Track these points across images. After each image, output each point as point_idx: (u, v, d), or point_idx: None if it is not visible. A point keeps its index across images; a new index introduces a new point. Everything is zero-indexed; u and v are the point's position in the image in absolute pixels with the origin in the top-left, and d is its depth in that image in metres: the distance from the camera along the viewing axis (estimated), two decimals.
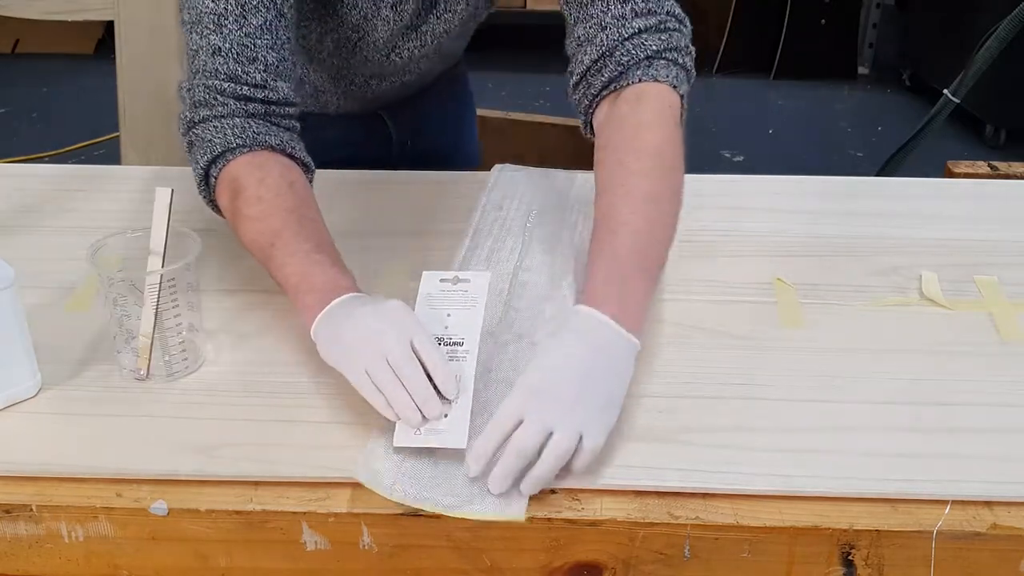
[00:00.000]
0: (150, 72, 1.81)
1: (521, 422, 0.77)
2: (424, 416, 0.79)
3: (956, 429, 0.85)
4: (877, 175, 2.08)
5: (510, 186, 1.23)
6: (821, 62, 4.03)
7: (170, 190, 0.88)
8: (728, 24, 4.04)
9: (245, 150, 0.95)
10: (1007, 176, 1.56)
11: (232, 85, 0.96)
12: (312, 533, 0.78)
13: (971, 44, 2.00)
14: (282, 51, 0.98)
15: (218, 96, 0.96)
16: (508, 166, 1.28)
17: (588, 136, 1.03)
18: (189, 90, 0.98)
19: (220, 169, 0.95)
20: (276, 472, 0.80)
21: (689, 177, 1.28)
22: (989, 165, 1.61)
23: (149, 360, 0.89)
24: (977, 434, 0.84)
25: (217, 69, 0.96)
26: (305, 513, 0.77)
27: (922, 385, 0.90)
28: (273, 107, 0.98)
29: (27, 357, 0.87)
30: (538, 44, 3.29)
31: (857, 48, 4.11)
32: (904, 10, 4.08)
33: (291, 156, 0.98)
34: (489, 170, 1.27)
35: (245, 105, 0.96)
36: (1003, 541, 0.76)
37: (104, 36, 4.14)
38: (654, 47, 0.98)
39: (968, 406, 0.87)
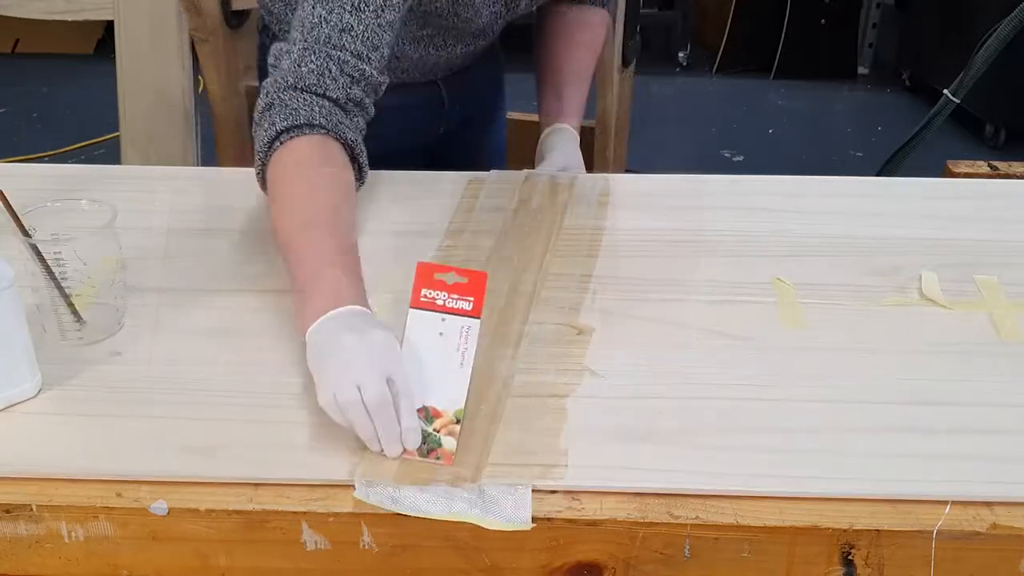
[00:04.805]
0: (150, 72, 1.80)
1: None
2: (384, 452, 0.80)
3: (956, 429, 0.85)
4: (877, 175, 2.07)
5: (508, 186, 1.23)
6: (821, 62, 4.03)
7: None
8: (728, 24, 4.04)
9: (323, 131, 0.98)
10: (1007, 176, 1.56)
11: (355, 61, 1.01)
12: (312, 533, 0.78)
13: (971, 44, 2.00)
14: (391, 49, 1.06)
15: (333, 68, 1.00)
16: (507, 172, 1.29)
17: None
18: (304, 52, 1.01)
19: (291, 138, 0.98)
20: (276, 474, 0.80)
21: (690, 177, 1.29)
22: (989, 165, 1.61)
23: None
24: (977, 434, 0.84)
25: (344, 45, 1.01)
26: (305, 513, 0.77)
27: (922, 385, 0.90)
28: (368, 99, 1.04)
29: (27, 357, 0.87)
30: None
31: (857, 48, 4.11)
32: (904, 10, 4.07)
33: (354, 158, 1.03)
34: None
35: (349, 89, 1.01)
36: (1003, 541, 0.76)
37: (104, 36, 4.13)
38: None
39: (968, 406, 0.87)
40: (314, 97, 0.99)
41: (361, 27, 1.01)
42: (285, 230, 0.94)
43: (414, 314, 0.86)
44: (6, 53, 4.17)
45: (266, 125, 0.99)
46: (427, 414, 0.82)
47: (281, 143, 0.98)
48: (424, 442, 0.81)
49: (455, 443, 0.81)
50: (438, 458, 0.80)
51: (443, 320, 0.85)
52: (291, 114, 0.98)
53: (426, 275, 0.86)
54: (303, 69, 1.00)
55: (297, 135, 0.98)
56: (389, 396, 0.79)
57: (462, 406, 0.83)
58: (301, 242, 0.91)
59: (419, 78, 1.34)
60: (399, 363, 0.81)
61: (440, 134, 1.44)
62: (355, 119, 1.03)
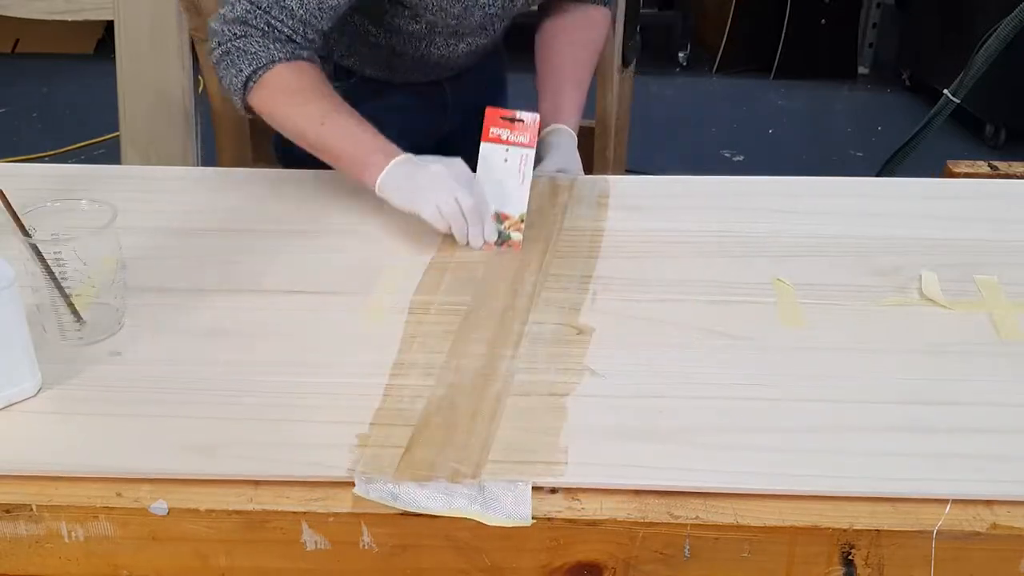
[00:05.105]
0: (150, 72, 1.80)
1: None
2: (471, 244, 1.09)
3: (956, 429, 0.85)
4: (877, 175, 2.08)
5: None
6: (821, 62, 4.03)
7: None
8: (728, 24, 4.04)
9: (286, 61, 1.13)
10: (1007, 176, 1.56)
11: (289, 33, 1.14)
12: (312, 533, 0.78)
13: (971, 44, 2.00)
14: (332, 25, 1.18)
15: (275, 31, 1.13)
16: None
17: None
18: (247, 12, 1.13)
19: (260, 76, 1.13)
20: (276, 471, 0.80)
21: (690, 178, 1.29)
22: (989, 165, 1.61)
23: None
24: (977, 434, 0.84)
25: (282, 20, 1.14)
26: (305, 513, 0.77)
27: (922, 385, 0.90)
28: (305, 54, 1.16)
29: (27, 357, 0.87)
30: None
31: (857, 48, 4.11)
32: (904, 10, 4.07)
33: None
34: None
35: (287, 46, 1.14)
36: (1003, 541, 0.76)
37: (104, 36, 4.13)
38: None
39: (968, 406, 0.87)
40: (265, 40, 1.13)
41: (301, 11, 1.13)
42: (309, 128, 1.12)
43: (486, 146, 1.13)
44: (6, 53, 4.17)
45: (233, 71, 1.13)
46: (498, 217, 1.11)
47: (254, 82, 1.13)
48: (498, 237, 1.10)
49: (520, 236, 1.11)
50: (510, 247, 1.10)
51: (507, 150, 1.12)
52: (252, 58, 1.12)
53: (493, 117, 1.13)
54: (248, 26, 1.13)
55: (264, 72, 1.12)
56: (478, 205, 1.08)
57: (524, 210, 1.12)
58: (328, 129, 1.10)
59: (422, 78, 1.35)
60: (476, 182, 1.10)
61: (442, 135, 1.44)
62: (304, 51, 1.16)
